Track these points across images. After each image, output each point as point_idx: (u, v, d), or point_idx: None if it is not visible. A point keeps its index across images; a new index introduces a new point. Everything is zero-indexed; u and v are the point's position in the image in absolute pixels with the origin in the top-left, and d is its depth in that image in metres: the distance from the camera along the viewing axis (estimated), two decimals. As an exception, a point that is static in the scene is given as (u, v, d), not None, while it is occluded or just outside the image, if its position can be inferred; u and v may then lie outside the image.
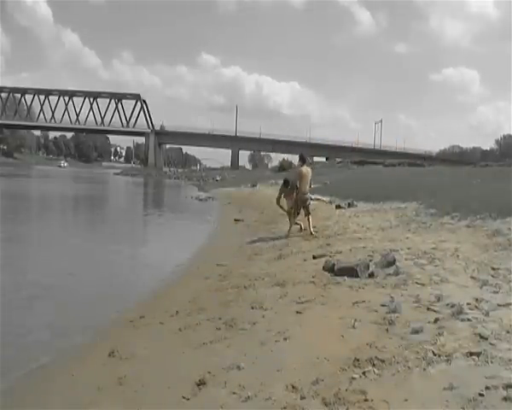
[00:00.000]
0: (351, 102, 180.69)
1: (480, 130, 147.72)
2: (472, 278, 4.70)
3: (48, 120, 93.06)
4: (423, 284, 4.55)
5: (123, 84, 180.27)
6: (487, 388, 2.44)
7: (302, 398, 2.51)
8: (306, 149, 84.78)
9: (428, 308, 3.79)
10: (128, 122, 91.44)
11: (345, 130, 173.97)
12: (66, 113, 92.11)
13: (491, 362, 2.73)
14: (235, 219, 12.24)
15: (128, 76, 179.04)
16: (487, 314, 3.55)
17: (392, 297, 4.16)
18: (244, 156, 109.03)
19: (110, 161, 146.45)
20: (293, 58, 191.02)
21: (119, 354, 3.43)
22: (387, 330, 3.40)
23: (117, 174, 73.94)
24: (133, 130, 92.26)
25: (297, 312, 3.97)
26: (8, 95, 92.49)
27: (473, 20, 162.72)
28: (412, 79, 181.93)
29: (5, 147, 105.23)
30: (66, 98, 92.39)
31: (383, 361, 2.85)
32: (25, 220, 13.43)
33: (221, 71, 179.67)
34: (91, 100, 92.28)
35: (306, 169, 9.23)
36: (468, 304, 3.79)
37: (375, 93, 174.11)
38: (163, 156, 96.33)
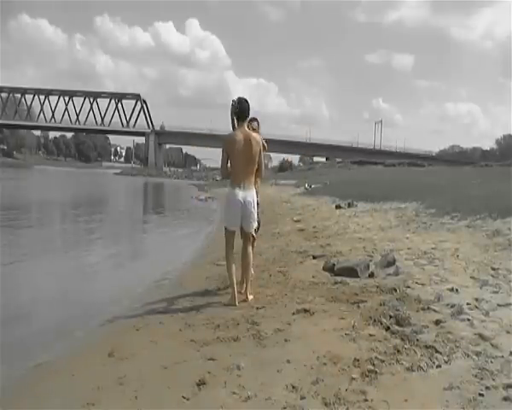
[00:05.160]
0: (350, 102, 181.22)
1: (480, 130, 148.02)
2: (472, 278, 4.71)
3: (48, 120, 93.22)
4: (423, 284, 4.56)
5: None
6: (487, 388, 2.45)
7: (302, 398, 2.51)
8: (306, 149, 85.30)
9: (428, 308, 3.80)
10: (128, 122, 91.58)
11: (344, 130, 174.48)
12: (66, 113, 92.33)
13: (491, 362, 2.74)
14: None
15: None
16: (487, 314, 3.56)
17: (392, 297, 4.17)
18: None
19: (110, 161, 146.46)
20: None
21: (119, 354, 3.43)
22: (387, 330, 3.40)
23: (117, 174, 73.98)
24: (133, 130, 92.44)
25: (297, 312, 3.97)
26: (9, 95, 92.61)
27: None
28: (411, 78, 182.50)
29: (5, 147, 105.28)
30: (66, 98, 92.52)
31: (383, 361, 2.85)
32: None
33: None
34: (91, 100, 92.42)
35: None
36: (468, 304, 3.80)
37: (375, 93, 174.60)
38: (163, 156, 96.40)
